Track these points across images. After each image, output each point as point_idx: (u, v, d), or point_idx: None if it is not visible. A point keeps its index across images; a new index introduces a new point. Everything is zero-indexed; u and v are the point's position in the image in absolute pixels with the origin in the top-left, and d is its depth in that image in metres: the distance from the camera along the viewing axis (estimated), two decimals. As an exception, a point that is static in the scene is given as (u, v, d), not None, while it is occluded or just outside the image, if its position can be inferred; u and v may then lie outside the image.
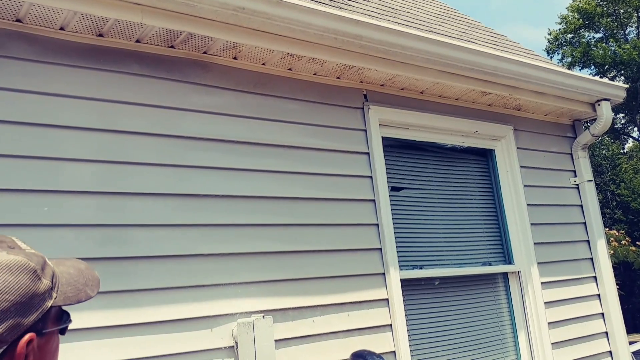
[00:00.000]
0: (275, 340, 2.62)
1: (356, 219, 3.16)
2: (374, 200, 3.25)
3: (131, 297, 2.41)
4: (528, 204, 4.02)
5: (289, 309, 2.83)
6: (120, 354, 2.33)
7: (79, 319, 2.18)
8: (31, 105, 2.36)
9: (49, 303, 0.87)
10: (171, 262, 2.54)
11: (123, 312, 2.37)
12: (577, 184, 4.39)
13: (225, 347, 2.59)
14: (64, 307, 0.94)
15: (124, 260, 2.43)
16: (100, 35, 2.56)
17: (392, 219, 3.31)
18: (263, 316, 2.58)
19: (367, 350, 1.14)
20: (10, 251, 0.86)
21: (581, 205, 4.38)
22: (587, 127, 4.52)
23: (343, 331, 2.95)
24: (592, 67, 28.01)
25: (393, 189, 3.46)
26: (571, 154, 4.47)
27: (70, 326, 0.93)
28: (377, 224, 3.23)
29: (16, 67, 2.36)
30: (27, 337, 0.83)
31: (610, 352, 4.22)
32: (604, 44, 27.79)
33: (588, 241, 4.34)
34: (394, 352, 3.09)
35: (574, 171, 4.43)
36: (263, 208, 2.85)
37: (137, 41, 2.65)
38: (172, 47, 2.75)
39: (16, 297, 0.82)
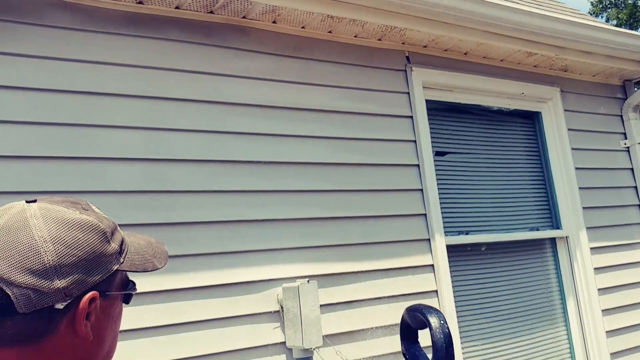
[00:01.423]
0: (321, 305, 2.61)
1: (400, 184, 3.11)
2: (418, 165, 3.19)
3: (177, 263, 2.42)
4: (576, 168, 3.90)
5: (334, 274, 2.81)
6: (168, 318, 2.36)
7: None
8: (74, 73, 2.37)
9: (115, 266, 0.89)
10: (215, 228, 2.55)
11: (170, 278, 2.39)
12: (628, 147, 4.23)
13: (271, 312, 2.60)
14: (131, 277, 0.96)
15: (168, 226, 2.44)
16: (140, 2, 2.55)
17: (437, 184, 3.24)
18: (308, 281, 2.57)
19: (422, 304, 1.11)
20: (83, 212, 0.88)
21: (632, 169, 4.23)
22: (639, 88, 4.34)
23: (388, 297, 2.93)
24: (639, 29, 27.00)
25: (437, 153, 3.39)
26: (621, 116, 4.30)
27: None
28: (422, 190, 3.17)
29: (59, 36, 2.37)
30: (90, 294, 0.85)
31: (662, 319, 4.10)
32: (651, 6, 26.70)
33: (639, 206, 4.20)
34: (440, 317, 3.05)
35: (624, 133, 4.27)
36: (305, 174, 2.83)
37: (177, 7, 2.63)
38: (211, 12, 2.71)
39: (83, 254, 0.85)
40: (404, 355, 1.15)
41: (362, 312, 2.85)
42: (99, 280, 0.86)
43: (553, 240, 3.83)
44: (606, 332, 3.73)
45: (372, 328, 2.85)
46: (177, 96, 2.57)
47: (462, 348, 3.21)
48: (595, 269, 3.80)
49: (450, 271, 3.20)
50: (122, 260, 0.91)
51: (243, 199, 2.63)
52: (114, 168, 2.37)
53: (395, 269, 3.00)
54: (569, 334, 3.75)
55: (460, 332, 3.22)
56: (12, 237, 0.83)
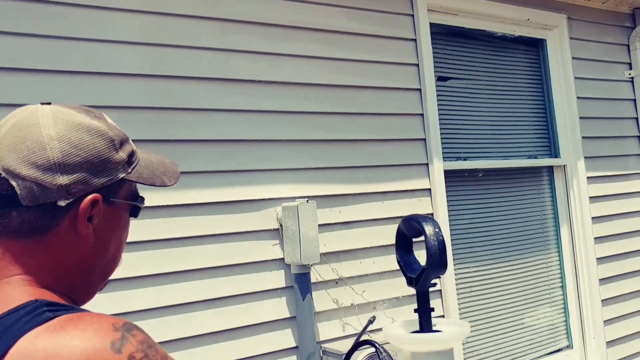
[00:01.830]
0: (319, 225, 2.67)
1: (401, 108, 3.11)
2: (419, 90, 3.17)
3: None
4: (578, 97, 3.88)
5: (333, 195, 2.85)
6: (168, 232, 2.41)
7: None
8: (73, -16, 2.32)
9: (121, 175, 0.91)
10: (217, 146, 2.56)
11: (170, 193, 2.43)
12: (632, 77, 4.20)
13: (270, 230, 2.66)
14: (141, 193, 0.98)
15: (169, 143, 2.45)
16: None
17: (438, 109, 3.24)
18: (307, 201, 2.61)
19: (418, 214, 1.14)
20: (94, 118, 0.91)
21: (634, 100, 4.21)
22: (648, 17, 4.26)
23: (384, 219, 2.98)
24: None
25: (440, 78, 3.37)
26: (628, 45, 4.24)
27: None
28: (422, 114, 3.17)
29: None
30: (92, 195, 0.87)
31: (652, 248, 4.19)
32: None
33: (639, 137, 4.21)
34: (435, 240, 3.12)
35: (629, 64, 4.23)
36: (308, 95, 2.82)
37: None
38: None
39: (88, 156, 0.87)
40: (399, 262, 1.19)
41: (359, 233, 2.91)
42: (103, 185, 0.89)
43: (550, 169, 3.86)
44: (597, 259, 3.82)
45: (368, 248, 2.92)
46: (177, 12, 2.52)
47: (455, 271, 3.30)
48: (590, 197, 3.85)
49: (447, 196, 3.24)
50: (129, 170, 0.92)
51: (244, 118, 2.63)
52: (115, 83, 2.36)
53: (392, 192, 3.05)
54: (560, 260, 3.85)
55: (453, 256, 3.30)
56: (23, 133, 0.86)
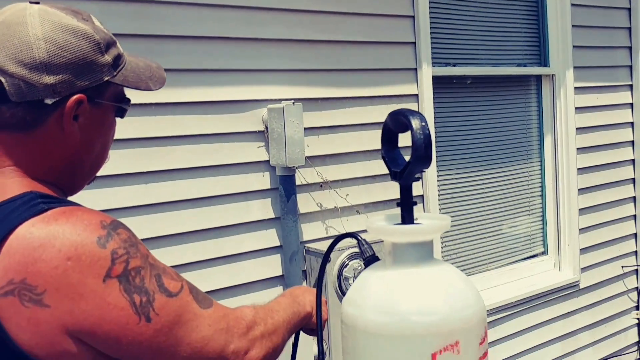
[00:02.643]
0: (305, 128, 2.65)
1: (391, 9, 3.02)
2: (411, -10, 3.08)
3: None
4: (572, 4, 3.79)
5: (319, 99, 2.82)
6: (152, 131, 2.39)
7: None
8: None
9: (106, 77, 0.96)
10: (202, 43, 2.49)
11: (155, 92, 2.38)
12: (628, -15, 4.10)
13: (256, 132, 2.64)
14: (127, 96, 1.04)
15: (153, 38, 2.38)
16: None
17: (429, 11, 3.15)
18: (293, 103, 2.59)
19: (405, 108, 1.13)
20: (81, 21, 0.94)
21: (629, 9, 4.14)
22: None
23: (370, 123, 2.97)
24: None
25: (432, -21, 3.26)
26: (627, -48, 4.11)
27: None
28: (413, 17, 3.09)
29: None
30: (77, 96, 0.92)
31: (633, 160, 4.26)
32: None
33: (630, 48, 4.16)
34: (420, 146, 3.13)
35: (627, -29, 4.11)
36: (295, -7, 2.73)
37: None
38: None
39: (73, 57, 0.91)
40: (383, 157, 1.19)
41: (344, 137, 2.91)
42: (88, 86, 0.93)
43: (539, 78, 3.83)
44: (578, 169, 3.88)
45: (353, 152, 2.93)
46: None
47: (438, 177, 3.34)
48: (576, 108, 3.86)
49: (434, 102, 3.22)
50: (115, 73, 0.97)
51: (230, 14, 2.55)
52: (93, -27, 2.26)
53: (379, 96, 3.02)
54: (542, 169, 3.90)
55: (437, 162, 3.32)
56: (10, 31, 0.89)
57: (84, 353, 0.85)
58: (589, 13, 3.90)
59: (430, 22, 3.18)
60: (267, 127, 2.64)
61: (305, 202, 2.78)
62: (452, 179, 3.47)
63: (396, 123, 1.16)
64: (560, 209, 3.88)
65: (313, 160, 2.78)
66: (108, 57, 0.96)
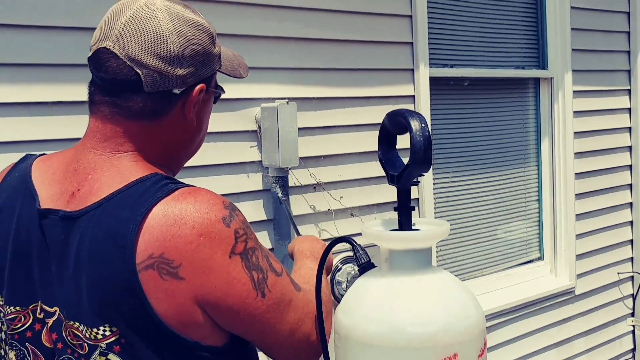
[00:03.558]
0: (299, 128, 2.60)
1: (389, 8, 2.97)
2: (409, -11, 3.03)
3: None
4: (572, 7, 3.75)
5: (314, 98, 2.77)
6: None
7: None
8: None
9: (217, 67, 1.06)
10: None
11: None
12: (628, -11, 4.06)
13: (248, 131, 2.58)
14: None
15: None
16: None
17: (427, 11, 3.10)
18: (287, 102, 2.53)
19: (404, 109, 1.07)
20: (196, 14, 1.02)
21: (628, 13, 4.10)
22: None
23: (366, 124, 2.92)
24: None
25: (430, -21, 3.21)
26: (627, -45, 4.08)
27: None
28: (411, 16, 3.04)
29: None
30: (201, 85, 1.01)
31: (630, 166, 4.22)
32: None
33: (629, 52, 4.13)
34: (417, 148, 3.08)
35: (627, -26, 4.08)
36: (290, -10, 2.67)
37: None
38: None
39: (199, 50, 1.00)
40: (381, 160, 1.14)
41: (339, 138, 2.86)
42: (207, 76, 1.03)
43: (537, 81, 3.79)
44: (575, 174, 3.84)
45: (347, 154, 2.88)
46: None
47: (434, 180, 3.29)
48: (575, 112, 3.82)
49: (431, 104, 3.17)
50: (221, 64, 1.07)
51: (222, 10, 2.49)
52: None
53: (375, 97, 2.97)
54: (539, 174, 3.86)
55: (433, 165, 3.27)
56: (143, 26, 0.95)
57: (206, 325, 0.93)
58: (588, 16, 3.87)
59: (428, 22, 3.13)
60: (260, 127, 2.58)
61: (298, 204, 2.72)
62: (448, 182, 3.42)
63: (394, 124, 1.10)
64: (557, 214, 3.84)
65: (307, 162, 2.73)
66: (218, 49, 1.06)
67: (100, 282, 0.91)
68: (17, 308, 1.00)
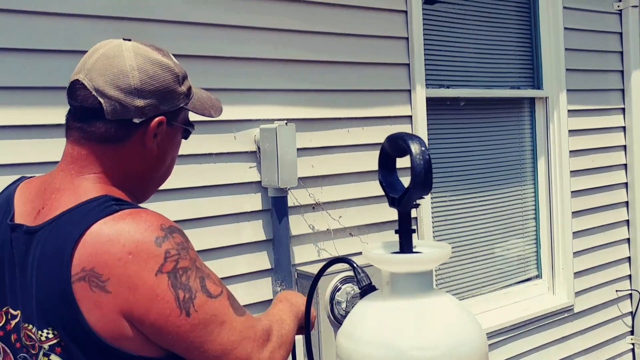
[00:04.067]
0: (298, 149, 2.61)
1: (386, 30, 3.01)
2: (405, 12, 3.06)
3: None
4: (565, 28, 3.80)
5: (312, 119, 2.79)
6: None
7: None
8: None
9: (181, 104, 1.13)
10: (192, 62, 2.45)
11: (145, 111, 2.34)
12: (621, 10, 4.12)
13: (248, 152, 2.60)
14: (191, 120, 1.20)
15: (144, 57, 2.34)
16: None
17: (423, 33, 3.14)
18: (286, 123, 2.55)
19: (404, 132, 1.09)
20: (164, 56, 1.12)
21: (620, 33, 4.15)
22: (641, -54, 4.14)
23: (363, 145, 2.94)
24: None
25: (427, 1, 3.25)
26: (618, -24, 4.14)
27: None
28: (407, 38, 3.07)
29: None
30: (159, 117, 1.10)
31: (626, 183, 4.24)
32: None
33: (622, 71, 4.17)
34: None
35: (619, -5, 4.14)
36: (287, 12, 2.70)
37: None
38: None
39: (159, 86, 1.09)
40: (381, 182, 1.15)
41: (337, 158, 2.87)
42: (167, 110, 1.11)
43: (532, 100, 3.82)
44: (571, 192, 3.86)
45: (346, 174, 2.89)
46: None
47: (432, 199, 3.30)
48: (570, 131, 3.85)
49: (428, 124, 3.20)
50: (187, 101, 1.15)
51: (221, 33, 2.52)
52: (84, -10, 2.22)
53: (373, 117, 2.99)
54: (536, 192, 3.87)
55: (432, 184, 3.28)
56: (110, 62, 1.07)
57: (136, 338, 0.98)
58: (581, 37, 3.91)
59: (425, 44, 3.16)
60: (259, 148, 2.60)
61: (297, 224, 2.73)
62: (445, 201, 3.43)
63: (394, 147, 1.12)
64: (554, 232, 3.85)
65: (305, 182, 2.74)
66: (183, 88, 1.13)
67: (43, 289, 1.01)
68: None
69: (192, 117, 1.20)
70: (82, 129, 1.08)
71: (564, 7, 3.79)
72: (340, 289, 2.51)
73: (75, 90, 1.08)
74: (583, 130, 3.95)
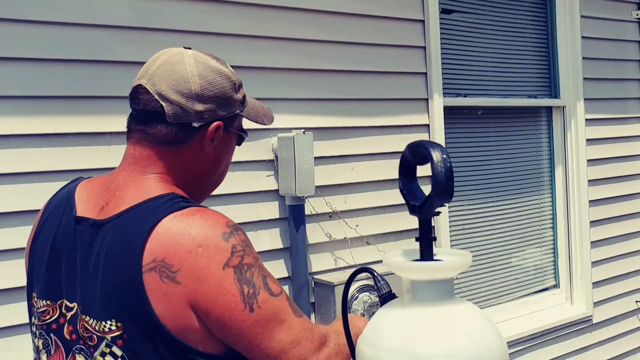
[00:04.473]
0: (315, 157, 2.63)
1: (403, 39, 3.02)
2: (422, 21, 3.07)
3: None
4: (583, 37, 3.78)
5: (329, 128, 2.80)
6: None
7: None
8: None
9: (237, 111, 1.19)
10: (212, 72, 2.48)
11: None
12: (639, 18, 4.09)
13: (265, 160, 2.61)
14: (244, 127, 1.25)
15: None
16: None
17: (441, 42, 3.14)
18: (304, 132, 2.56)
19: (425, 140, 1.10)
20: (222, 64, 1.18)
21: (639, 42, 4.12)
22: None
23: (381, 153, 2.95)
24: None
25: (444, 11, 3.26)
26: (637, -15, 4.12)
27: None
28: (425, 47, 3.08)
29: None
30: (217, 122, 1.14)
31: (645, 193, 4.20)
32: None
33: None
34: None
35: (638, 4, 4.11)
36: (304, 22, 2.72)
37: None
38: None
39: (218, 92, 1.14)
40: (401, 190, 1.15)
41: (355, 167, 2.88)
42: (225, 116, 1.16)
43: (549, 109, 3.81)
44: (589, 201, 3.82)
45: (363, 182, 2.90)
46: None
47: (449, 207, 3.29)
48: (587, 140, 3.82)
49: (445, 133, 3.19)
50: (242, 109, 1.20)
51: (237, 42, 2.54)
52: (97, 2, 2.26)
53: (390, 126, 3.00)
54: (553, 201, 3.85)
55: (448, 193, 3.27)
56: (172, 68, 1.12)
57: (200, 330, 1.01)
58: (599, 45, 3.90)
59: (442, 53, 3.17)
60: (276, 156, 2.61)
61: (314, 233, 2.73)
62: (462, 210, 3.42)
63: (415, 155, 1.12)
64: (571, 241, 3.82)
65: (323, 190, 2.75)
66: (239, 95, 1.19)
67: (110, 280, 1.03)
68: (48, 302, 1.14)
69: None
70: (144, 132, 1.13)
71: (582, 16, 3.78)
72: (357, 297, 2.52)
73: (138, 94, 1.13)
74: (601, 139, 3.92)
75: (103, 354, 1.04)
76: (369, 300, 2.47)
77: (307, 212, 2.67)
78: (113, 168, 2.17)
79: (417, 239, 1.10)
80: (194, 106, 1.11)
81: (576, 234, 3.80)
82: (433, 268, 1.04)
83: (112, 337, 1.03)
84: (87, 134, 2.21)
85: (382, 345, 1.03)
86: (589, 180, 3.83)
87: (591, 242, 3.83)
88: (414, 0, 3.05)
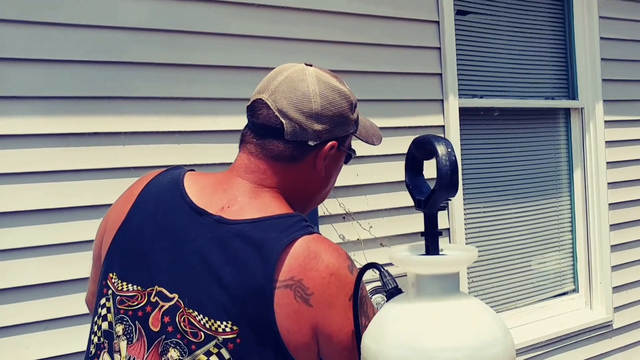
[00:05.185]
0: (329, 158, 2.62)
1: (417, 40, 3.01)
2: (437, 22, 3.06)
3: (187, 105, 2.41)
4: (601, 37, 3.74)
5: (343, 129, 2.79)
6: (174, 159, 2.38)
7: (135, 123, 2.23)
8: None
9: (351, 130, 1.20)
10: (227, 72, 2.50)
11: (178, 119, 2.39)
12: (659, 19, 4.03)
13: (279, 161, 2.61)
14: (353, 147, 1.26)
15: (177, 68, 2.39)
16: None
17: (456, 43, 3.13)
18: (317, 133, 2.56)
19: (430, 134, 1.09)
20: (340, 83, 1.18)
21: (659, 42, 4.06)
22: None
23: (395, 154, 2.93)
24: None
25: (459, 12, 3.25)
26: (657, -15, 4.06)
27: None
28: (440, 48, 3.07)
29: None
30: (333, 142, 1.16)
31: (666, 196, 4.13)
32: None
33: (661, 81, 4.08)
34: (446, 178, 3.07)
35: (658, 4, 4.05)
36: (320, 22, 2.73)
37: None
38: None
39: (337, 112, 1.15)
40: (407, 185, 1.15)
41: (368, 168, 2.87)
42: (339, 135, 1.17)
43: (567, 111, 3.77)
44: (609, 204, 3.77)
45: (377, 183, 2.89)
46: None
47: (465, 210, 3.27)
48: (606, 142, 3.78)
49: (460, 134, 3.18)
50: (356, 129, 1.22)
51: (255, 44, 2.55)
52: (122, 4, 2.29)
53: (405, 127, 2.99)
54: (572, 204, 3.80)
55: (464, 195, 3.26)
56: (294, 85, 1.13)
57: (313, 350, 1.05)
58: (618, 46, 3.85)
59: (457, 54, 3.15)
60: (290, 157, 2.61)
61: (327, 234, 2.73)
62: (479, 212, 3.40)
63: (421, 150, 1.11)
64: (591, 245, 3.77)
65: (336, 191, 2.75)
66: (354, 115, 1.20)
67: (236, 283, 1.03)
68: (138, 288, 1.11)
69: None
70: (260, 145, 1.14)
71: (600, 17, 3.74)
72: (370, 299, 2.50)
73: (257, 108, 1.14)
74: (621, 141, 3.87)
75: (208, 353, 1.02)
76: (382, 302, 2.46)
77: (320, 213, 2.67)
78: (127, 168, 2.23)
79: (422, 234, 1.09)
80: (313, 125, 1.12)
81: (595, 238, 3.75)
82: (438, 262, 1.03)
83: (224, 338, 1.02)
84: (103, 133, 2.24)
85: (387, 339, 1.02)
86: (608, 183, 3.78)
87: (611, 246, 3.78)
88: (429, 2, 3.04)
